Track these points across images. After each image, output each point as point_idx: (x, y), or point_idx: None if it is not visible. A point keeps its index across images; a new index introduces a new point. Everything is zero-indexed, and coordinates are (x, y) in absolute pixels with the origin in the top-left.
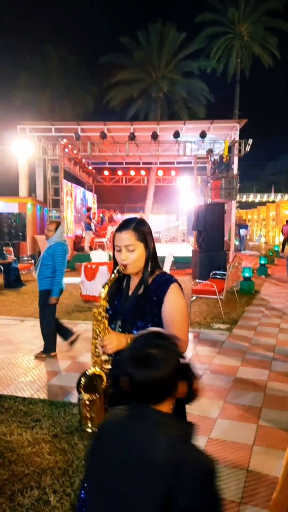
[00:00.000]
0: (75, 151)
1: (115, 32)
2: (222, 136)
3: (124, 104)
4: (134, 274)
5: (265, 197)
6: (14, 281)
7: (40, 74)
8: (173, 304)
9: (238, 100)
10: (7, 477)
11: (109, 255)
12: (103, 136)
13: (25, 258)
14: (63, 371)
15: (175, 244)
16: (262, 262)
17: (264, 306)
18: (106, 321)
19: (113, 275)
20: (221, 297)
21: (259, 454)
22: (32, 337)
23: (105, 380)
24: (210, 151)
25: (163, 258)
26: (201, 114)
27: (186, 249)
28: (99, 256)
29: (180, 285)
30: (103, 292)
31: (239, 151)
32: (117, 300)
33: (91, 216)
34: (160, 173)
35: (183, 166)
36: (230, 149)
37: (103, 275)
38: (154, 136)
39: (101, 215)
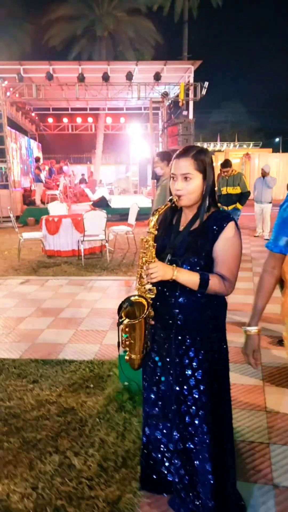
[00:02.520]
0: (17, 95)
1: None
2: (175, 79)
3: (66, 44)
4: (187, 208)
5: (211, 146)
6: None
7: None
8: (226, 243)
9: (187, 42)
10: (19, 445)
11: (67, 208)
12: (50, 77)
13: None
14: (47, 328)
15: (128, 196)
16: None
17: None
18: (153, 250)
19: (164, 205)
20: None
21: (272, 394)
22: (0, 297)
23: (146, 308)
24: (165, 94)
25: (127, 209)
26: (148, 56)
27: (141, 200)
28: (57, 208)
29: (237, 225)
30: (153, 220)
31: (195, 94)
32: (166, 234)
33: (40, 167)
34: (109, 120)
35: (133, 113)
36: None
37: (67, 229)
38: (106, 78)
39: (46, 167)
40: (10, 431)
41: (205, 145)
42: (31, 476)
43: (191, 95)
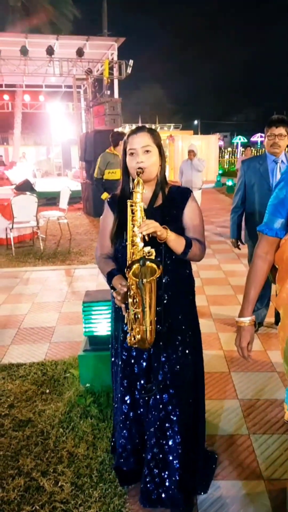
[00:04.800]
0: None
1: None
2: (98, 55)
3: None
4: (146, 184)
5: (133, 127)
6: None
7: None
8: (194, 211)
9: (107, 18)
10: None
11: None
12: None
13: None
14: None
15: (52, 178)
16: None
17: None
18: (142, 209)
19: (136, 179)
20: None
21: (240, 380)
22: None
23: (157, 270)
24: (89, 72)
25: (54, 193)
26: (67, 31)
27: (69, 183)
28: None
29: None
30: (140, 181)
31: (120, 73)
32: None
33: None
34: (27, 98)
35: (53, 91)
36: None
37: None
38: (24, 51)
39: None
40: None
41: (127, 127)
42: None
43: (116, 73)
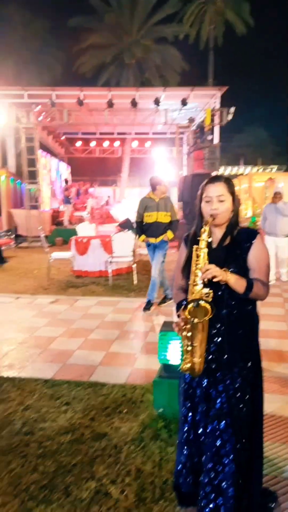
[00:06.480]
0: (48, 119)
1: None
2: (201, 104)
3: (95, 71)
4: (216, 227)
5: (234, 170)
6: None
7: (2, 38)
8: (260, 252)
9: (213, 68)
10: (55, 469)
11: (94, 229)
12: (80, 102)
13: (2, 234)
14: (78, 349)
15: None
16: None
17: None
18: (206, 255)
19: (205, 225)
20: None
21: None
22: (31, 315)
23: (210, 310)
24: (192, 120)
25: None
26: (174, 82)
27: None
28: (86, 229)
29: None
30: (206, 230)
31: (221, 120)
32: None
33: (69, 188)
34: (135, 144)
35: (158, 137)
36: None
37: (96, 249)
38: (134, 103)
39: (73, 188)
40: (44, 454)
41: (228, 169)
42: (68, 502)
43: (216, 120)
